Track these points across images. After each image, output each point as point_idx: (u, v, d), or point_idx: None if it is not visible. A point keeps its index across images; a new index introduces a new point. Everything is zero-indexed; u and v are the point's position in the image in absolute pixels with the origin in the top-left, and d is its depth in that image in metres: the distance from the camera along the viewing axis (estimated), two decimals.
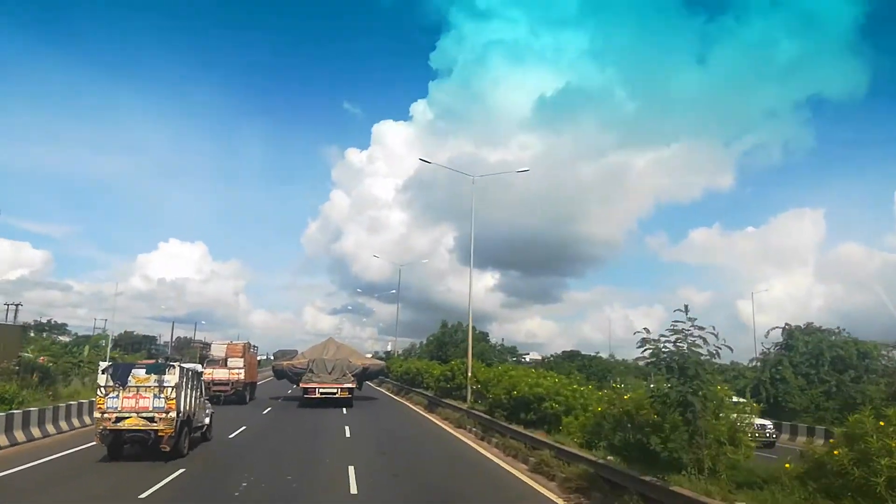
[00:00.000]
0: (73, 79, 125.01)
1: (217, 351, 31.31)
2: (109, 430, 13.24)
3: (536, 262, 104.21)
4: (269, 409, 27.81)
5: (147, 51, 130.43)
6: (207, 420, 16.70)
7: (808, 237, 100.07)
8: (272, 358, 39.20)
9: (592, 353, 65.56)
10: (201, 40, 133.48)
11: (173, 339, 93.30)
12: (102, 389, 13.42)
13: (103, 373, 13.66)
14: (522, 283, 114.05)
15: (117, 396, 13.37)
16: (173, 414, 13.39)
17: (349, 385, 29.72)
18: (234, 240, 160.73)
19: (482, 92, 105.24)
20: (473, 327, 68.34)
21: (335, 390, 29.08)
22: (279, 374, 33.51)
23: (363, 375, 32.62)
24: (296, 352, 35.00)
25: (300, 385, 29.86)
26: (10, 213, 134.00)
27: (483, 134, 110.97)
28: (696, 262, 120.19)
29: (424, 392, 32.35)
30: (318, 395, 28.72)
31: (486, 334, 65.84)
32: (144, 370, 13.89)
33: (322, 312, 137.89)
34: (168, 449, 13.29)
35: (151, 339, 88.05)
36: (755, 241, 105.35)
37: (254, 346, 34.75)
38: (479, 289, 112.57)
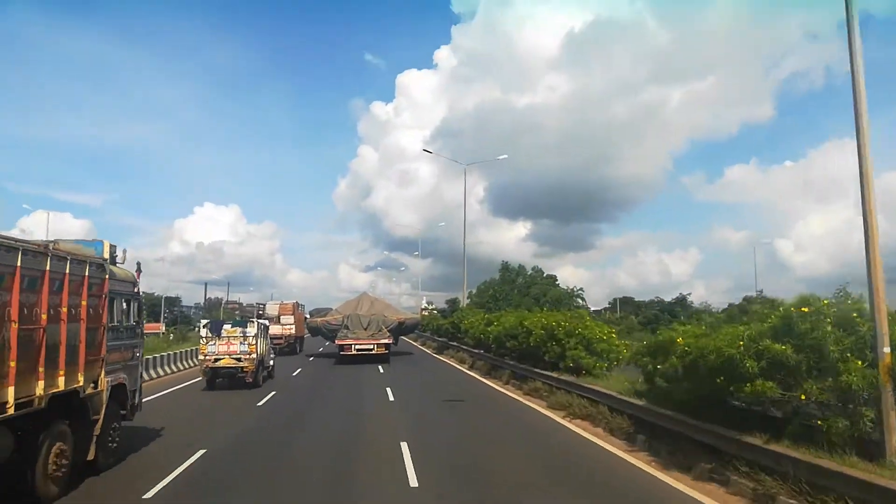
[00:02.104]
0: (98, 48, 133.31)
1: (271, 310, 38.41)
2: (210, 367, 19.76)
3: (569, 208, 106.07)
4: (312, 357, 34.22)
5: (166, 14, 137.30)
6: (272, 362, 23.21)
7: (849, 168, 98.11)
8: (307, 316, 44.15)
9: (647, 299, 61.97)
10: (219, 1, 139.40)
11: (206, 300, 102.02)
12: (203, 339, 19.99)
13: (203, 328, 20.28)
14: (555, 232, 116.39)
15: (214, 344, 19.83)
16: (254, 355, 19.74)
17: (385, 340, 30.21)
18: (267, 201, 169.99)
19: (507, 33, 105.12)
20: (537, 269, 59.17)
21: (371, 346, 29.60)
22: (314, 331, 35.63)
23: (399, 330, 33.26)
24: (331, 310, 36.54)
25: (336, 342, 30.63)
26: (49, 186, 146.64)
27: (510, 78, 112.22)
28: (733, 201, 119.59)
29: (591, 387, 14.23)
30: (354, 352, 29.39)
31: (555, 277, 57.23)
32: (231, 324, 20.42)
33: (356, 270, 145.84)
34: (250, 380, 19.66)
35: (173, 301, 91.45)
36: (794, 176, 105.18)
37: (301, 305, 41.74)
38: (511, 239, 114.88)
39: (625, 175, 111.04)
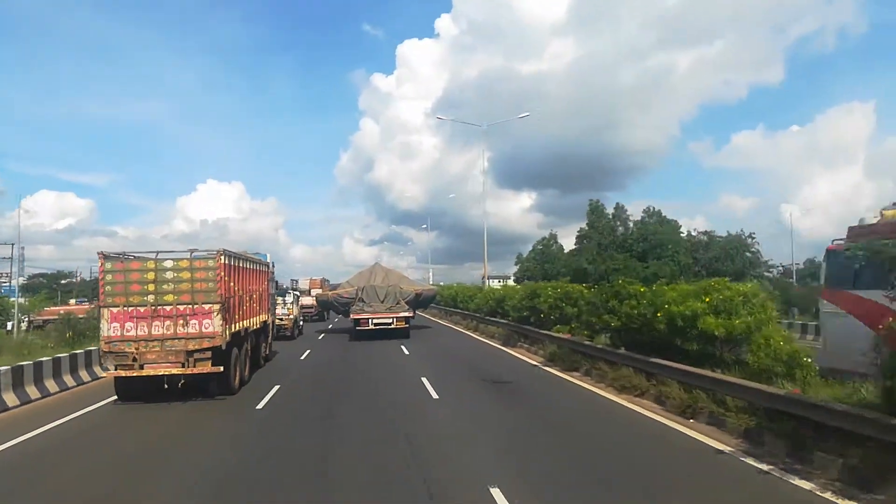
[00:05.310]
0: (101, 26, 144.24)
1: (303, 284, 50.28)
2: None
3: (575, 177, 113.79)
4: (322, 335, 34.20)
5: None
6: (301, 323, 34.42)
7: (857, 132, 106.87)
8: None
9: None
10: None
11: None
12: None
13: None
14: (561, 202, 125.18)
15: None
16: (291, 316, 30.81)
17: (405, 314, 30.37)
18: (270, 177, 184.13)
19: None
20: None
21: (390, 320, 29.73)
22: (324, 304, 37.77)
23: (416, 303, 33.40)
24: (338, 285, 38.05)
25: (351, 316, 30.74)
26: (53, 166, 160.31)
27: (514, 45, 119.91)
28: (740, 167, 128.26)
29: None
30: (371, 327, 29.65)
31: (677, 224, 46.51)
32: (275, 294, 31.13)
33: (360, 244, 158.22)
34: (290, 334, 30.51)
35: (63, 275, 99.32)
36: (800, 140, 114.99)
37: (327, 280, 53.41)
38: (515, 210, 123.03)
39: (632, 142, 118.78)
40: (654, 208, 48.32)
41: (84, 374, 16.84)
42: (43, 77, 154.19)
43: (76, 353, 16.93)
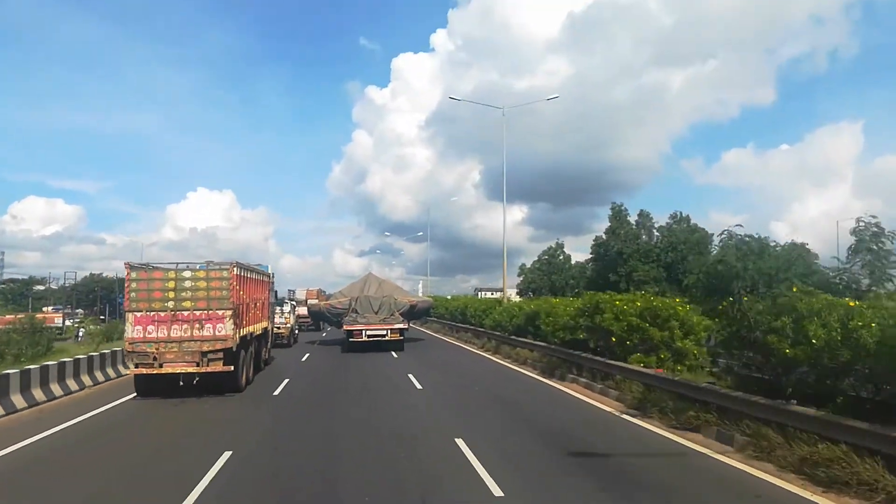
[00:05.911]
0: (93, 35, 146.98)
1: (300, 295, 52.14)
2: None
3: (567, 192, 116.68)
4: (307, 355, 30.25)
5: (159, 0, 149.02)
6: (297, 332, 36.76)
7: (845, 152, 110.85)
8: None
9: None
10: None
11: None
12: None
13: None
14: (552, 216, 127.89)
15: None
16: (289, 325, 33.02)
17: (399, 325, 30.35)
18: (261, 186, 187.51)
19: (505, 15, 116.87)
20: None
21: (384, 332, 29.77)
22: (315, 315, 38.17)
23: (410, 314, 33.35)
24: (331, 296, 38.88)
25: (343, 328, 30.76)
26: (42, 172, 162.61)
27: (508, 61, 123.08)
28: (731, 184, 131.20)
29: None
30: (364, 338, 29.59)
31: (705, 232, 41.63)
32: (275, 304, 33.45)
33: (350, 255, 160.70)
34: (286, 342, 32.65)
35: (35, 281, 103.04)
36: (791, 159, 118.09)
37: (323, 290, 55.32)
38: (507, 223, 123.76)
39: (624, 159, 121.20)
40: (681, 214, 44.95)
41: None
42: (35, 85, 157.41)
43: None
